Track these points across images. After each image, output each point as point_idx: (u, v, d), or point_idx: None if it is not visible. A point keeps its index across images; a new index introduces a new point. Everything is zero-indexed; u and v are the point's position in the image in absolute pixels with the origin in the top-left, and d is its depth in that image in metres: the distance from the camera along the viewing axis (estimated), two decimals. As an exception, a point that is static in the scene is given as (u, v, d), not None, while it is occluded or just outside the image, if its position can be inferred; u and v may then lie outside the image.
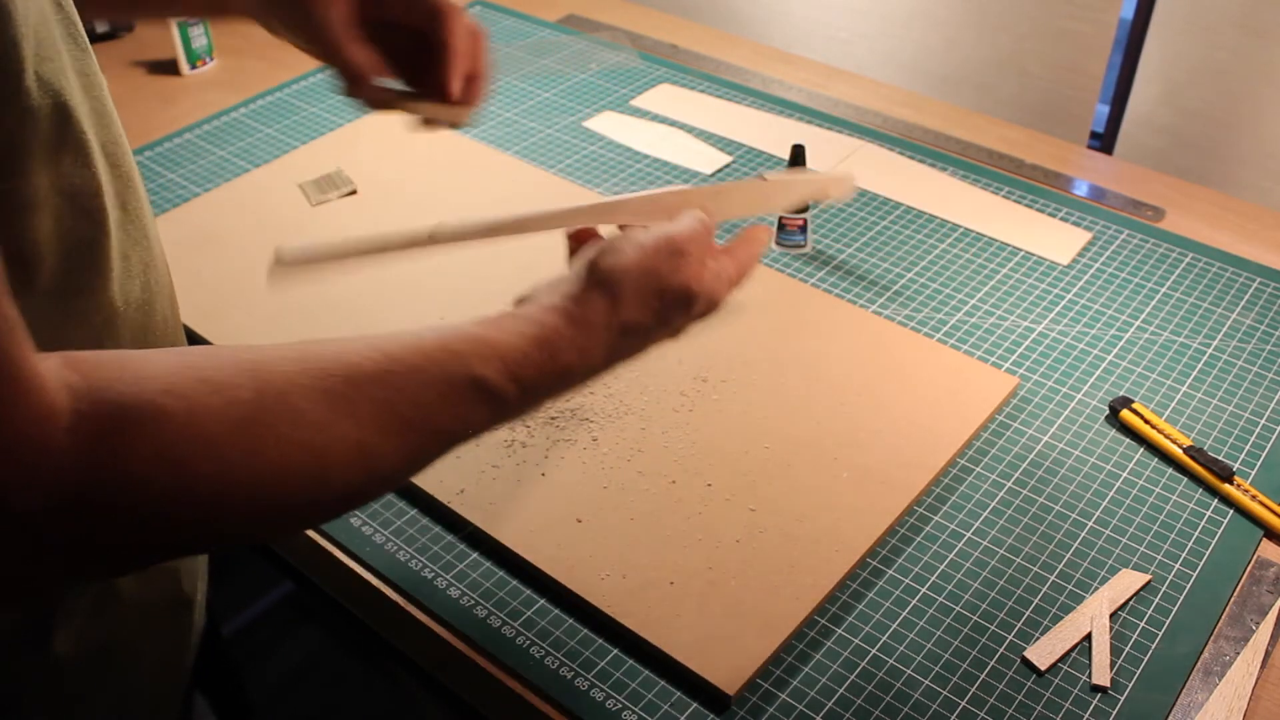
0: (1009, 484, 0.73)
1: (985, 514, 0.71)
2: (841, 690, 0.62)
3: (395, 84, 0.65)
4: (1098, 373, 0.82)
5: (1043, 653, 0.63)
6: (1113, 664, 0.63)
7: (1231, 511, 0.72)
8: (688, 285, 0.55)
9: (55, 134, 0.47)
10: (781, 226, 0.93)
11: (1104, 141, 1.18)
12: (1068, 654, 0.63)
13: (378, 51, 0.63)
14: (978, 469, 0.74)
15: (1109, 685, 0.61)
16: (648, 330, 0.55)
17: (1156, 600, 0.66)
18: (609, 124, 1.12)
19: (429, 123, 0.66)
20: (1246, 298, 0.89)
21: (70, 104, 0.47)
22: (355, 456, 0.45)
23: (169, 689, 0.65)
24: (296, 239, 0.52)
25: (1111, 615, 0.65)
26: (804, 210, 0.92)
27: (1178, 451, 0.74)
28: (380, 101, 0.64)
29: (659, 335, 0.57)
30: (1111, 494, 0.73)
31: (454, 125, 0.66)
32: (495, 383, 0.49)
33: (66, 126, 0.47)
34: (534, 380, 0.51)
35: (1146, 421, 0.76)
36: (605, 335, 0.54)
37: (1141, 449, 0.76)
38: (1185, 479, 0.74)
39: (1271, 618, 0.65)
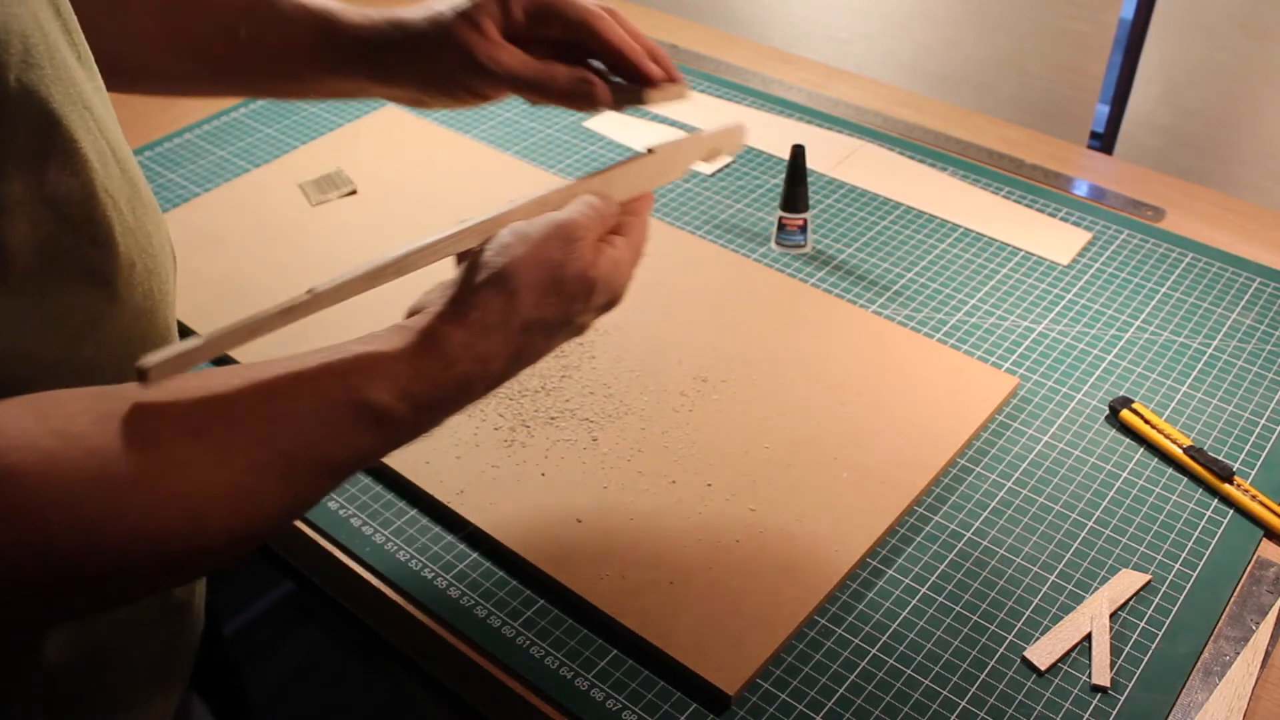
0: (1009, 484, 0.73)
1: (985, 514, 0.71)
2: (841, 690, 0.62)
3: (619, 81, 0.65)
4: (1098, 373, 0.82)
5: (1043, 653, 0.63)
6: (1113, 664, 0.63)
7: (1231, 511, 0.72)
8: (585, 273, 0.52)
9: (38, 141, 0.46)
10: (781, 227, 0.93)
11: (1104, 141, 1.18)
12: (1068, 654, 0.63)
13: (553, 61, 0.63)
14: (978, 469, 0.74)
15: (1109, 685, 0.61)
16: (550, 326, 0.52)
17: (1156, 600, 0.66)
18: (609, 124, 1.12)
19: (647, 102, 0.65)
20: (1246, 298, 0.89)
21: (59, 112, 0.46)
22: (234, 502, 0.43)
23: (165, 693, 0.65)
24: (163, 351, 0.44)
25: (1111, 615, 0.65)
26: (800, 213, 0.92)
27: (1178, 451, 0.74)
28: (607, 101, 0.63)
29: (562, 331, 0.54)
30: (1111, 494, 0.73)
31: (681, 99, 0.66)
32: (385, 404, 0.47)
33: (52, 134, 0.46)
34: (428, 395, 0.48)
35: (1146, 421, 0.76)
36: (504, 336, 0.50)
37: (1141, 449, 0.76)
38: (1185, 479, 0.74)
39: (1271, 618, 0.65)
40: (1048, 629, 0.64)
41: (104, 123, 0.52)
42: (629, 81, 0.64)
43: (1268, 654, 0.64)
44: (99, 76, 0.54)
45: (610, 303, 0.55)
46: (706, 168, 1.05)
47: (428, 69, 0.64)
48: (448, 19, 0.62)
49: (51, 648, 0.54)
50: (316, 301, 0.47)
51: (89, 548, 0.40)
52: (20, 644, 0.54)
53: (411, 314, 0.53)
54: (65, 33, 0.50)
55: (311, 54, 0.66)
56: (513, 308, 0.51)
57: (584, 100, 0.63)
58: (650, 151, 0.62)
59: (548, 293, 0.51)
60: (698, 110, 1.14)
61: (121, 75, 0.70)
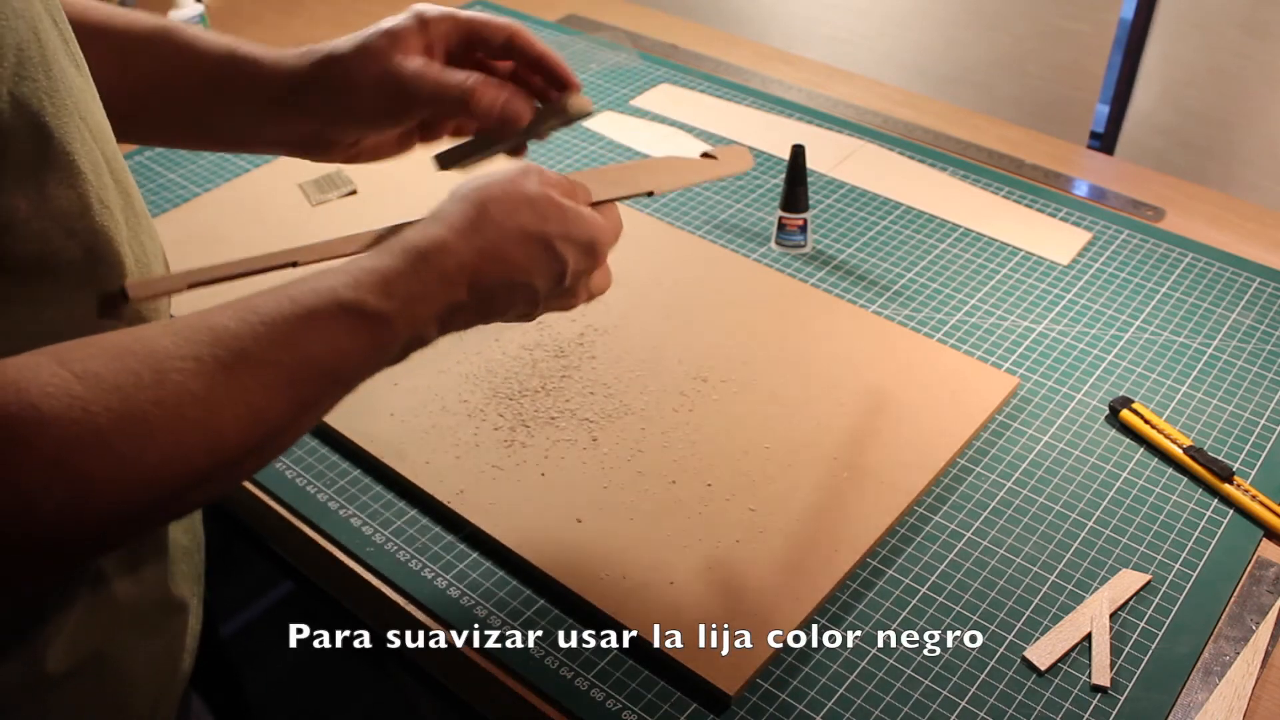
0: (1009, 484, 0.73)
1: (985, 514, 0.71)
2: (841, 690, 0.62)
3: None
4: (1098, 373, 0.82)
5: (1043, 653, 0.63)
6: (1113, 664, 0.63)
7: (1231, 511, 0.72)
8: (547, 194, 0.57)
9: (34, 155, 0.46)
10: (781, 227, 0.93)
11: (1104, 141, 1.19)
12: (1068, 654, 0.63)
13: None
14: (978, 469, 0.74)
15: (1109, 685, 0.61)
16: (526, 234, 0.56)
17: (1156, 600, 0.66)
18: (609, 124, 1.12)
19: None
20: (1246, 298, 0.89)
21: (52, 124, 0.46)
22: (247, 420, 0.46)
23: (166, 693, 0.65)
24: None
25: (1111, 615, 0.65)
26: (800, 213, 0.92)
27: (1178, 451, 0.74)
28: (528, 111, 0.63)
29: (540, 248, 0.56)
30: (1111, 494, 0.73)
31: (589, 113, 0.66)
32: (370, 305, 0.50)
33: (47, 147, 0.46)
34: (411, 290, 0.52)
35: (1146, 421, 0.76)
36: (471, 230, 0.56)
37: (1141, 449, 0.76)
38: (1185, 479, 0.74)
39: (1271, 618, 0.65)
40: (1048, 629, 0.64)
41: (99, 132, 0.51)
42: (550, 86, 0.64)
43: (1268, 654, 0.64)
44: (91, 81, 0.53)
45: (586, 238, 0.57)
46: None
47: (344, 91, 0.63)
48: (371, 40, 0.62)
49: (53, 650, 0.54)
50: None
51: (121, 483, 0.41)
52: (21, 645, 0.54)
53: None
54: (63, 41, 0.50)
55: (213, 90, 0.65)
56: (483, 214, 0.56)
57: (509, 117, 0.62)
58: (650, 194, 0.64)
59: (517, 205, 0.56)
60: (698, 110, 1.14)
61: None
